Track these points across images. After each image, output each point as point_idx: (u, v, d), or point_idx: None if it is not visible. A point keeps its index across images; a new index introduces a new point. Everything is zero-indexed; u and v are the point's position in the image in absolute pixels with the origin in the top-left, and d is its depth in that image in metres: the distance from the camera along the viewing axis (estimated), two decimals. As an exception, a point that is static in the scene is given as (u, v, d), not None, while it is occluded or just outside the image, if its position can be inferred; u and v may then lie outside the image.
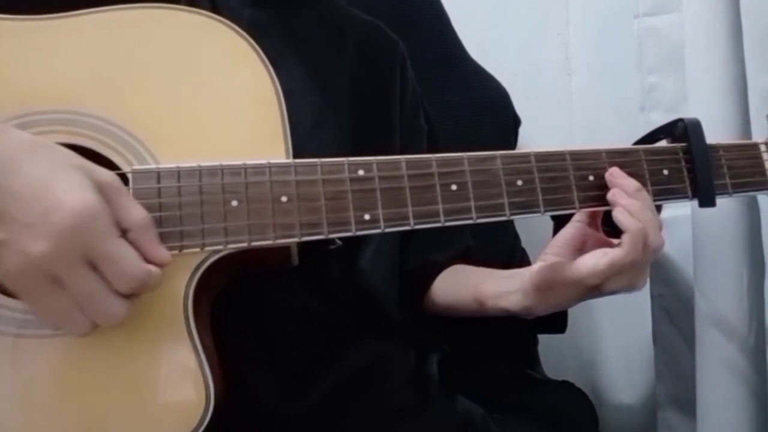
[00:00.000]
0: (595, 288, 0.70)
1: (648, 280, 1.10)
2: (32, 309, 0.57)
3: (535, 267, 0.76)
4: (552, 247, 0.77)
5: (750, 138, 0.91)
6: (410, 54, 0.95)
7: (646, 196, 0.70)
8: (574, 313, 1.06)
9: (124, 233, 0.56)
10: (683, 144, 0.75)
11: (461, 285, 0.89)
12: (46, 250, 0.52)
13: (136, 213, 0.57)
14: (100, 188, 0.55)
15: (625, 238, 0.68)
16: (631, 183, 0.70)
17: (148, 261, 0.57)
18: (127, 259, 0.55)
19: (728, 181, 0.75)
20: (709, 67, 0.98)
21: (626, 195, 0.70)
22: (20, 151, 0.55)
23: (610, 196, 0.70)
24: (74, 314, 0.55)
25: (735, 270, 0.97)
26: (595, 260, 0.69)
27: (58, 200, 0.53)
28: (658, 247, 0.69)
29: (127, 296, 0.56)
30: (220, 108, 0.65)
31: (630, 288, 0.71)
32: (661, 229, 0.71)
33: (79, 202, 0.53)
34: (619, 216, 0.69)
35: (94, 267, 0.54)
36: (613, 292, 0.71)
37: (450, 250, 0.93)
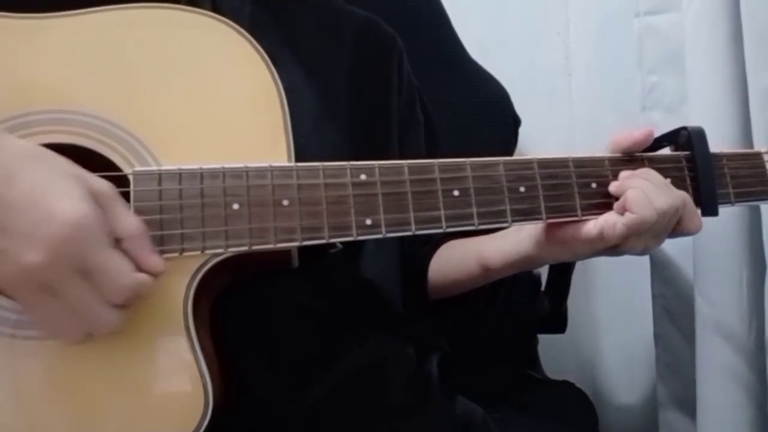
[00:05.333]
0: (613, 247, 0.71)
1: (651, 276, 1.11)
2: (28, 315, 0.57)
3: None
4: None
5: (750, 139, 0.91)
6: (410, 54, 0.95)
7: (640, 171, 0.71)
8: (574, 313, 1.06)
9: (117, 242, 0.56)
10: (686, 152, 0.75)
11: (462, 255, 0.87)
12: (40, 260, 0.52)
13: (129, 222, 0.57)
14: (96, 197, 0.55)
15: (628, 204, 0.68)
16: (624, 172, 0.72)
17: (141, 270, 0.57)
18: (118, 271, 0.55)
19: (731, 190, 0.75)
20: (710, 67, 0.97)
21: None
22: (16, 159, 0.55)
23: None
24: (68, 322, 0.56)
25: (735, 271, 0.97)
26: (615, 222, 0.69)
27: (52, 211, 0.53)
28: (665, 208, 0.68)
29: (121, 305, 0.56)
30: (222, 109, 0.65)
31: (645, 251, 0.72)
32: (682, 203, 0.70)
33: (74, 213, 0.53)
34: (612, 189, 0.70)
35: (87, 277, 0.54)
36: (628, 253, 0.72)
37: None
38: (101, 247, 0.55)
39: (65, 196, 0.54)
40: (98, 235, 0.54)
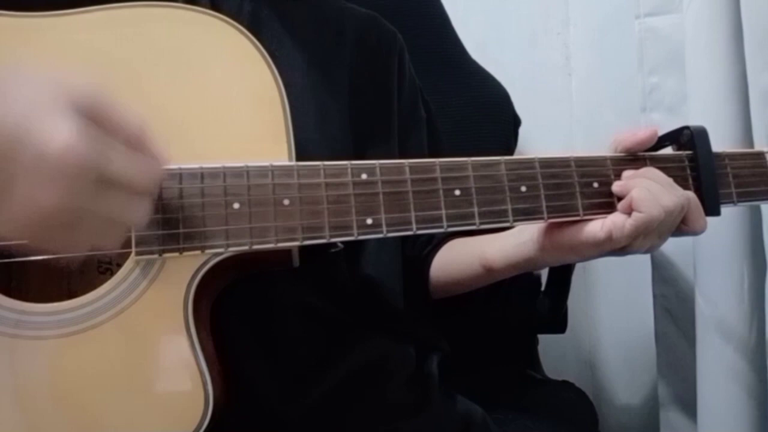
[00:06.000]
0: (620, 248, 0.71)
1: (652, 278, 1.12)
2: (56, 249, 0.52)
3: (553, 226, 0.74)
4: None
5: (751, 139, 0.91)
6: (410, 54, 0.95)
7: (644, 171, 0.71)
8: (574, 313, 1.06)
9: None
10: (689, 152, 0.74)
11: (464, 254, 0.87)
12: (58, 201, 0.47)
13: (127, 125, 0.52)
14: (85, 110, 0.49)
15: (635, 204, 0.68)
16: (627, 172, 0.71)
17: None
18: (137, 169, 0.51)
19: (733, 189, 0.75)
20: (710, 68, 0.97)
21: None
22: None
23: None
24: (106, 232, 0.52)
25: (736, 270, 0.97)
26: (623, 222, 0.68)
27: (44, 145, 0.47)
28: (672, 206, 0.68)
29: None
30: (223, 107, 0.65)
31: (649, 250, 0.72)
32: (685, 202, 0.70)
33: (65, 139, 0.47)
34: (616, 188, 0.70)
35: (111, 185, 0.50)
36: (633, 253, 0.72)
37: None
38: (109, 152, 0.50)
39: (49, 123, 0.47)
40: (101, 146, 0.49)
